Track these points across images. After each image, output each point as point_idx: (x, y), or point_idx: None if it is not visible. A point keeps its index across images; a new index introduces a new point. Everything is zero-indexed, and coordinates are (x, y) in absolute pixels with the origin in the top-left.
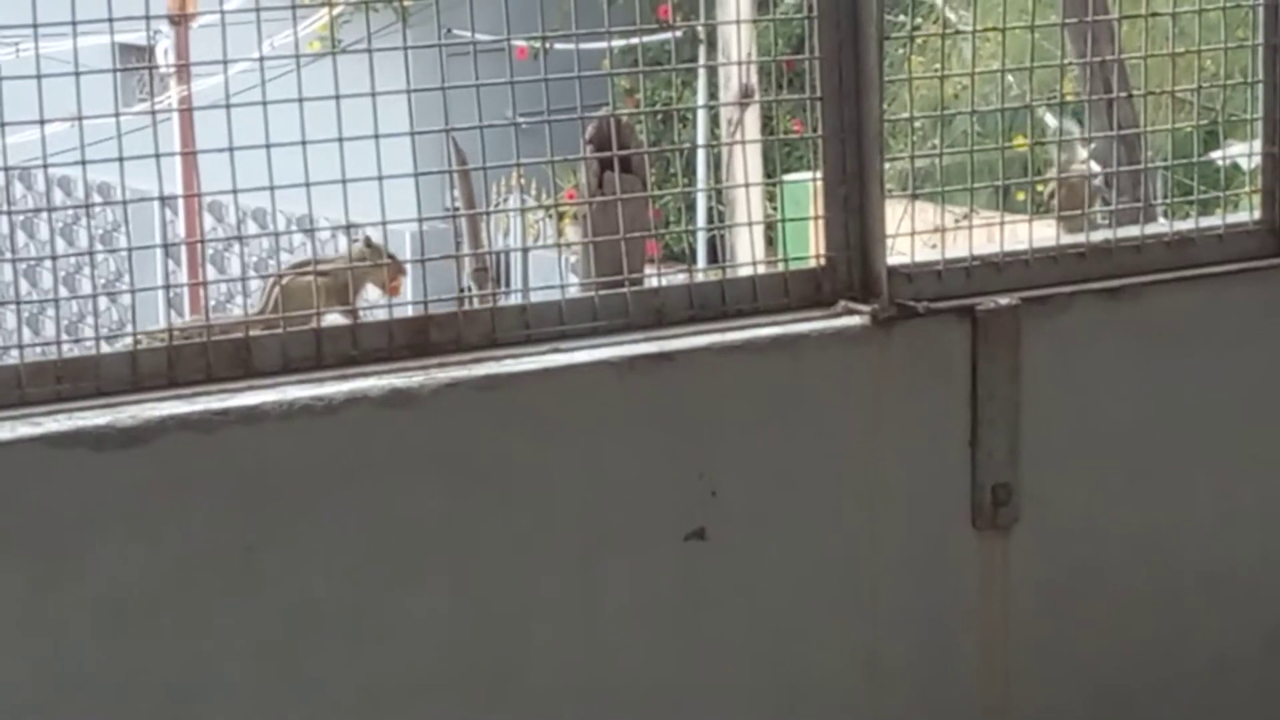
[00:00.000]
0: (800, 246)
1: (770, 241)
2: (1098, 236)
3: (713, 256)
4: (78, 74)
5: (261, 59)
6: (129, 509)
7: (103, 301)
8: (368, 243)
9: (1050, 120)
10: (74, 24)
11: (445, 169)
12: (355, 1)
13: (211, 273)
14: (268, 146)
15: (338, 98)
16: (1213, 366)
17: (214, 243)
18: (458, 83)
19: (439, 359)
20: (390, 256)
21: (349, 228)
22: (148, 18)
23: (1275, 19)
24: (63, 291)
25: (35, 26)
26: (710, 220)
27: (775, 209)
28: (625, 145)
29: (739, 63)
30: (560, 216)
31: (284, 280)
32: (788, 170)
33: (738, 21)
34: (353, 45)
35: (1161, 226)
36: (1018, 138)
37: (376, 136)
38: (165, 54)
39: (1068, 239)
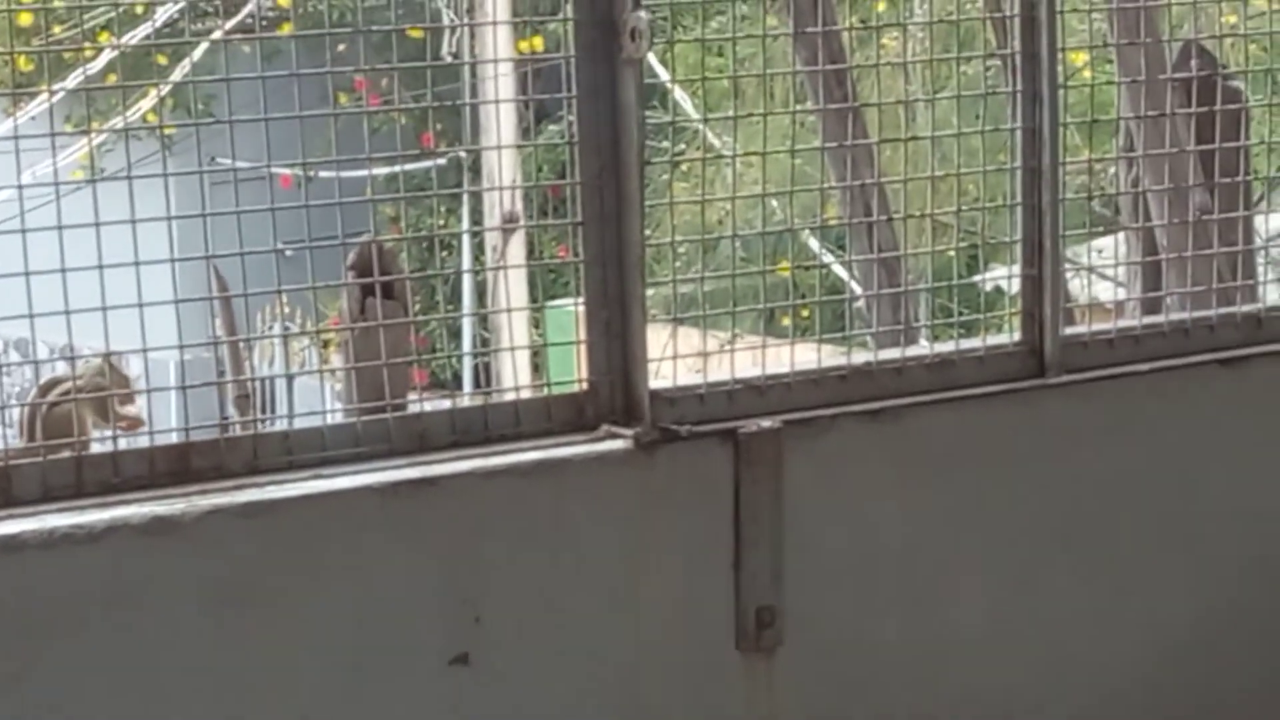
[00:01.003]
0: (566, 372)
1: (536, 368)
2: (859, 359)
3: (479, 384)
4: None
5: (21, 186)
6: None
7: None
8: (106, 359)
9: (813, 243)
10: None
11: (207, 296)
12: (117, 130)
13: None
14: (26, 275)
15: (97, 225)
16: (975, 486)
17: None
18: (219, 211)
19: (200, 486)
20: (123, 377)
21: (107, 355)
22: None
23: (1033, 143)
24: None
25: None
26: (475, 348)
27: (540, 335)
28: (387, 271)
29: (501, 188)
30: (325, 344)
31: (42, 409)
32: (553, 296)
33: (499, 147)
34: (115, 174)
35: (922, 348)
36: (781, 262)
37: (137, 264)
38: None
39: (829, 361)
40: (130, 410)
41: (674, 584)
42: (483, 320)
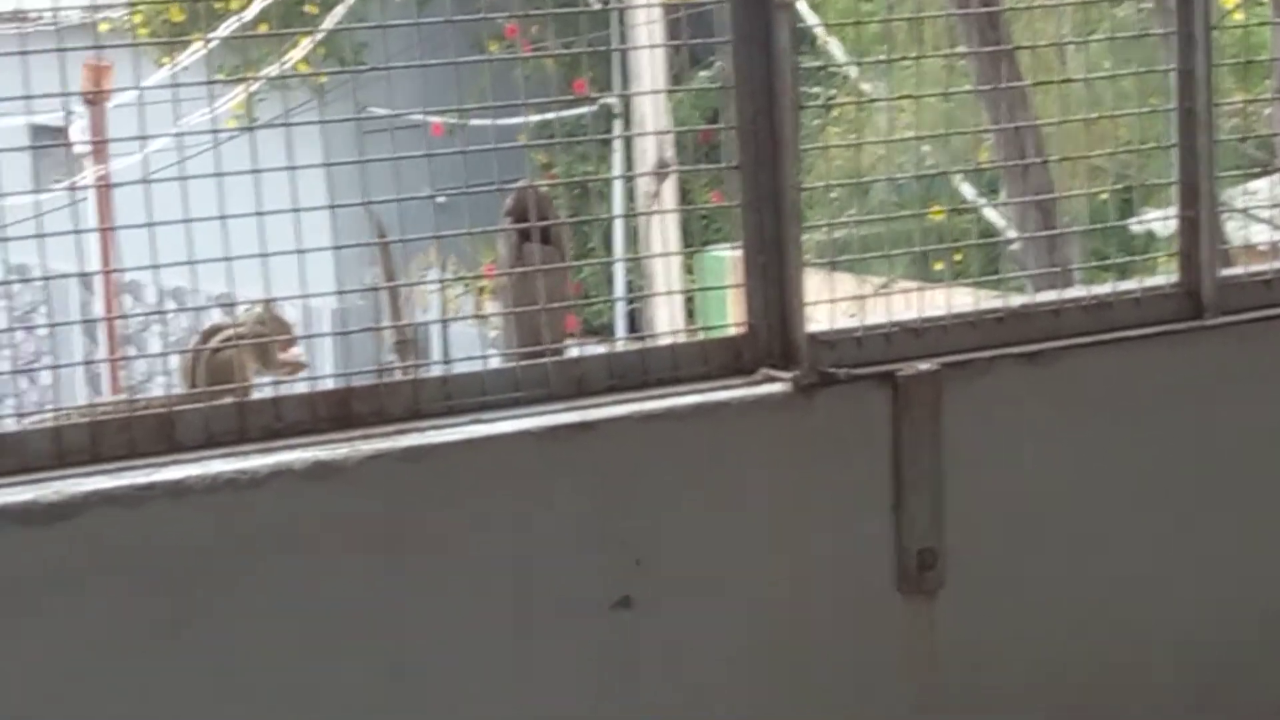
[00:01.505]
0: (719, 320)
1: (689, 315)
2: (1016, 301)
3: (631, 332)
4: None
5: (180, 134)
6: (54, 585)
7: (22, 382)
8: (266, 308)
9: (967, 189)
10: None
11: (366, 242)
12: (272, 77)
13: (130, 353)
14: (187, 221)
15: (256, 172)
16: (1132, 428)
17: (134, 319)
18: (376, 158)
19: (362, 431)
20: (284, 323)
21: (268, 302)
22: (65, 95)
23: (1188, 85)
24: None
25: None
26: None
27: (693, 282)
28: (544, 216)
29: (655, 133)
30: (480, 292)
31: (205, 355)
32: (705, 243)
33: (653, 92)
34: (271, 120)
35: (1079, 290)
36: (934, 207)
37: (296, 210)
38: (80, 134)
39: (986, 304)
40: (292, 354)
41: (834, 527)
42: (635, 269)
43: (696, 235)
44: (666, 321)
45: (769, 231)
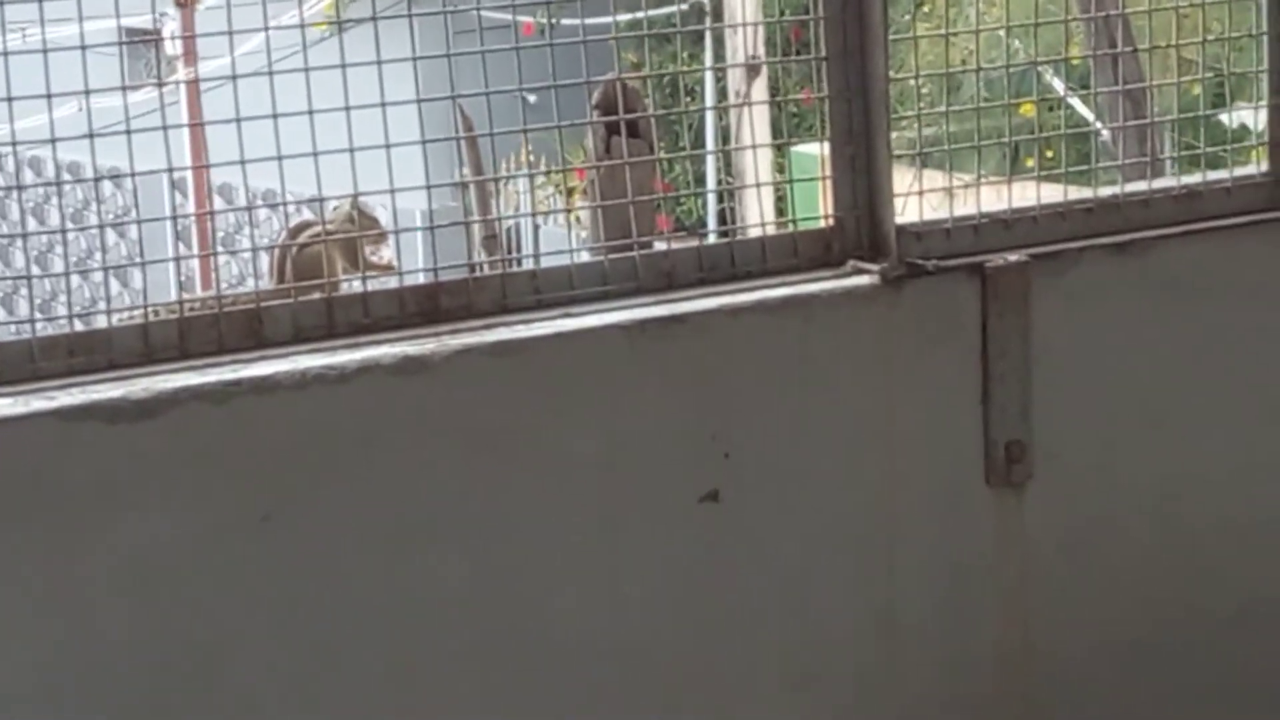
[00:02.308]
0: (810, 215)
1: (780, 213)
2: (1105, 192)
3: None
4: (84, 47)
5: (268, 29)
6: (144, 481)
7: (114, 286)
8: (354, 205)
9: (1056, 83)
10: (79, 2)
11: (453, 136)
12: None
13: (221, 256)
14: (274, 116)
15: (343, 66)
16: (1223, 319)
17: (225, 224)
18: (463, 51)
19: (450, 326)
20: (373, 220)
21: (356, 196)
22: None
23: None
24: (72, 278)
25: (40, 2)
26: (720, 197)
27: (783, 178)
28: (632, 110)
29: (744, 25)
30: (569, 191)
31: (293, 251)
32: (794, 142)
33: None
34: (361, 19)
35: (1169, 180)
36: (1024, 104)
37: (383, 105)
38: (171, 36)
39: (1075, 195)
40: (382, 257)
41: (922, 419)
42: (726, 168)
43: (786, 132)
44: (756, 218)
45: (857, 123)
